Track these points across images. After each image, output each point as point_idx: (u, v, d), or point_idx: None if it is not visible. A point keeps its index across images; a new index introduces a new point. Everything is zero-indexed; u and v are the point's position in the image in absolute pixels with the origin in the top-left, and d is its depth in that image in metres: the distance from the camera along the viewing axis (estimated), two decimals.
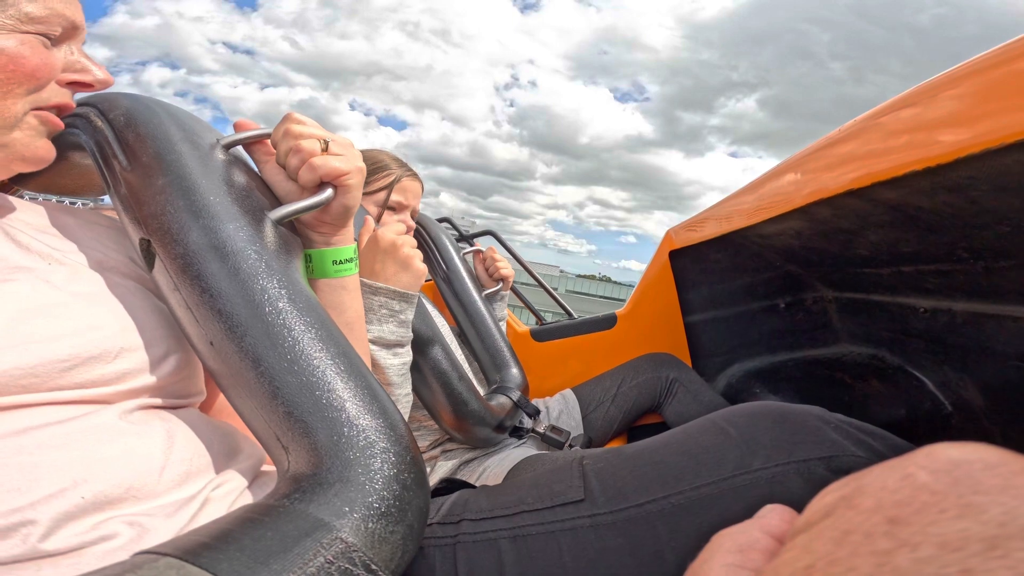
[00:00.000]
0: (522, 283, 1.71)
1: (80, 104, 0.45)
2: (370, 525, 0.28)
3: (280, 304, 0.37)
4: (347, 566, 0.26)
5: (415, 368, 0.78)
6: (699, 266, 1.28)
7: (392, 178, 0.94)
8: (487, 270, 1.27)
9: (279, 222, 0.44)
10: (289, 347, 0.35)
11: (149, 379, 0.37)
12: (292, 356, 0.35)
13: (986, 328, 0.74)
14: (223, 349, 0.36)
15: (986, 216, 0.54)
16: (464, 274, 1.14)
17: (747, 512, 0.24)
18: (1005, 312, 0.70)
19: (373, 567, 0.27)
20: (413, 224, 0.99)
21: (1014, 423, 0.74)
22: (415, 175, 1.00)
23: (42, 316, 0.32)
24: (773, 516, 0.20)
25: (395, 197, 0.95)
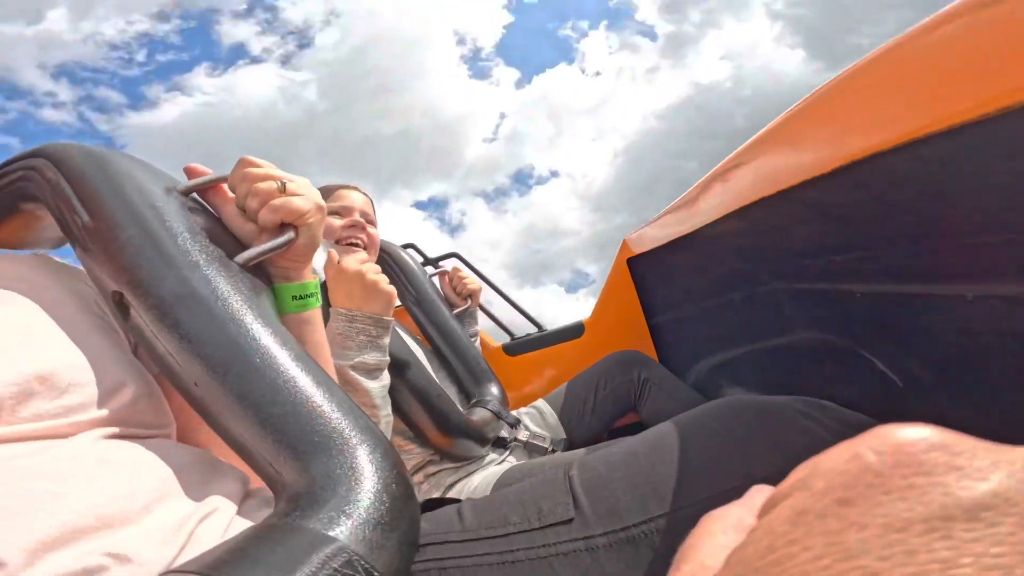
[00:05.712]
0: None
1: (30, 155, 0.45)
2: (367, 534, 0.31)
3: (256, 343, 0.38)
4: (352, 573, 0.28)
5: (395, 390, 0.80)
6: (656, 270, 1.33)
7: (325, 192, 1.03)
8: (455, 288, 1.29)
9: (245, 265, 0.45)
10: (270, 381, 0.37)
11: (104, 411, 0.37)
12: (274, 388, 0.37)
13: (916, 306, 0.80)
14: (207, 389, 0.37)
15: (890, 207, 0.60)
16: (433, 296, 1.16)
17: None
18: (932, 291, 0.75)
19: (375, 573, 0.29)
20: (364, 223, 1.01)
21: (960, 396, 0.79)
22: (352, 187, 1.06)
23: None
24: (759, 497, 0.20)
25: (332, 204, 0.99)
